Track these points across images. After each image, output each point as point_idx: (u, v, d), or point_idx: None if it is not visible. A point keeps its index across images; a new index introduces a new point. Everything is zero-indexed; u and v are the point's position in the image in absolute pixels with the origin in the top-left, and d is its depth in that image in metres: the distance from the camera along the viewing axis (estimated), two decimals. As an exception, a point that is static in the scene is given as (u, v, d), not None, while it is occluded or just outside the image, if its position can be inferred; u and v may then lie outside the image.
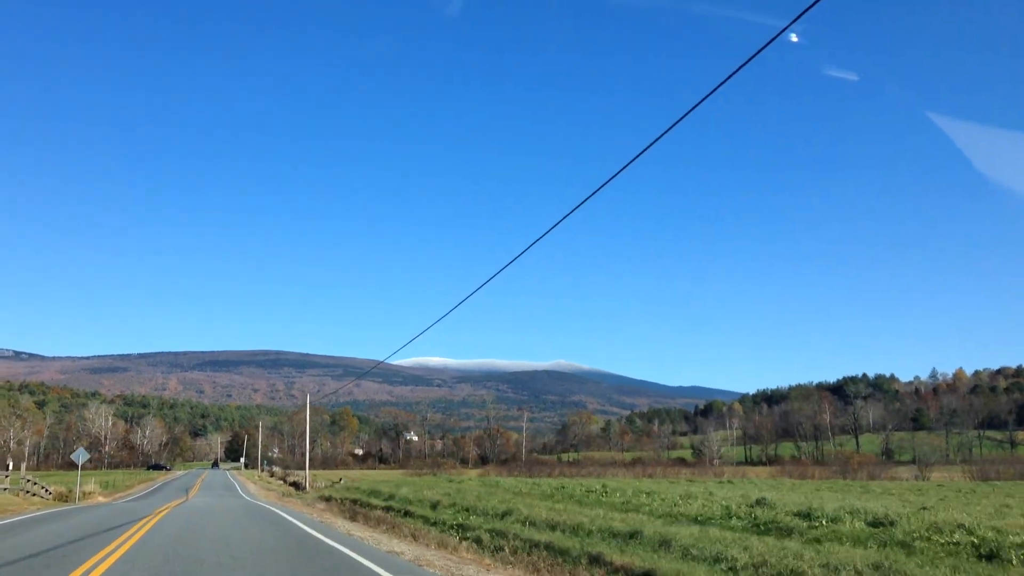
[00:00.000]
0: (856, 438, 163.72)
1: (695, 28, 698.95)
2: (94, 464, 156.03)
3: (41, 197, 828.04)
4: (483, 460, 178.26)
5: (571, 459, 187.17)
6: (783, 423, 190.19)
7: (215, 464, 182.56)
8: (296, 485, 79.21)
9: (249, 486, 76.27)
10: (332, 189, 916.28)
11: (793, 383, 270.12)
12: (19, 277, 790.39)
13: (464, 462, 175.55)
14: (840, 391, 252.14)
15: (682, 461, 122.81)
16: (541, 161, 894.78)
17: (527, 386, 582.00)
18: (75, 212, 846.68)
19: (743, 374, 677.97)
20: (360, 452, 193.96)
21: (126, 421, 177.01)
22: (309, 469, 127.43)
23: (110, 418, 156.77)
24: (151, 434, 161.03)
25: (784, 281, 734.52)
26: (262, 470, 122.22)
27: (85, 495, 50.04)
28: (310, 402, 61.81)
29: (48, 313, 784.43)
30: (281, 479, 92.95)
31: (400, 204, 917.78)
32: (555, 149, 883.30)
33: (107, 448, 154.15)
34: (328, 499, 36.59)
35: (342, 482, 62.64)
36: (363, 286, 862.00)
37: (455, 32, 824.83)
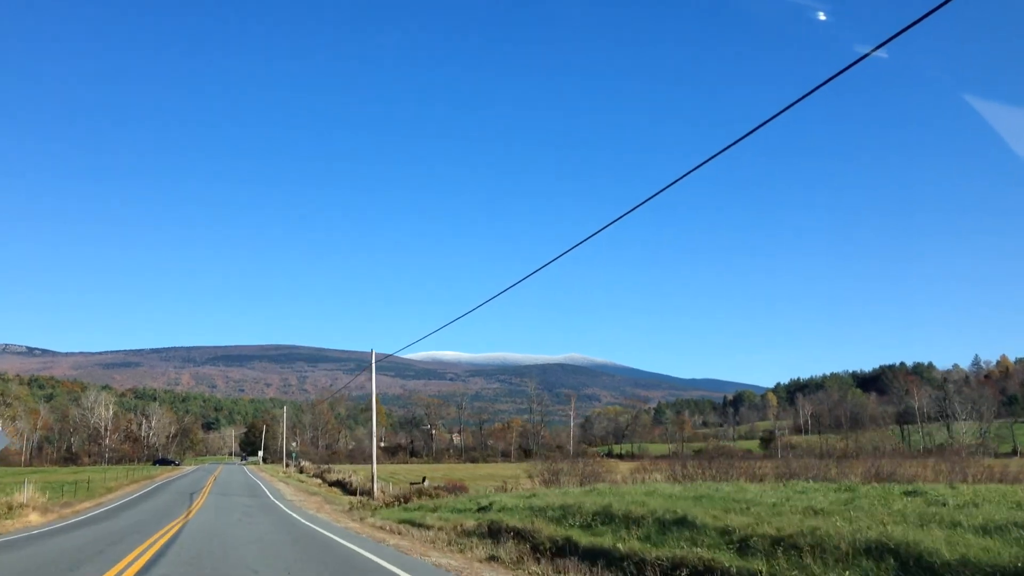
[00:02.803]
0: (948, 427, 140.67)
1: (720, 12, 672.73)
2: (93, 459, 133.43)
3: (53, 195, 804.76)
4: (526, 454, 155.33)
5: (626, 451, 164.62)
6: (836, 412, 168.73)
7: (244, 457, 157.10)
8: (344, 487, 56.04)
9: (280, 487, 53.27)
10: (345, 184, 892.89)
11: (811, 374, 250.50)
12: (32, 273, 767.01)
13: (505, 455, 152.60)
14: (877, 380, 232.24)
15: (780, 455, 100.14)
16: (553, 161, 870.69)
17: (540, 379, 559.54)
18: (87, 209, 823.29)
19: (756, 365, 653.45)
20: (382, 445, 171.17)
21: (131, 412, 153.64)
22: (335, 464, 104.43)
23: (111, 407, 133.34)
24: (157, 425, 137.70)
25: (796, 273, 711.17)
26: (287, 465, 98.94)
27: (8, 511, 26.96)
28: (375, 368, 38.86)
29: (61, 309, 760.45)
30: (317, 477, 69.76)
31: (412, 199, 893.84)
32: (572, 148, 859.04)
33: (108, 441, 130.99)
34: (581, 548, 12.99)
35: (426, 483, 39.59)
36: (375, 280, 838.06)
37: (478, 25, 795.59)
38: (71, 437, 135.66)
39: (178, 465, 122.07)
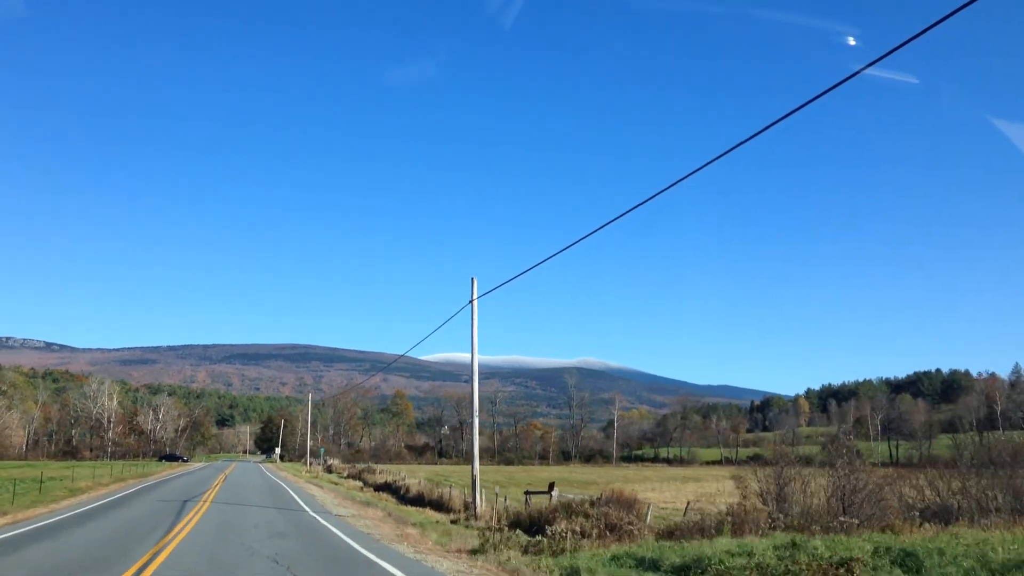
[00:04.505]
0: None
1: (755, 34, 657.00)
2: (95, 453, 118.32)
3: (73, 192, 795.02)
4: (565, 456, 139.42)
5: (674, 456, 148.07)
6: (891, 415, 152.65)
7: (268, 454, 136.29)
8: (397, 492, 40.29)
9: (312, 492, 37.44)
10: (362, 186, 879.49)
11: (834, 381, 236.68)
12: (51, 270, 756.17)
13: (543, 458, 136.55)
14: (912, 386, 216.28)
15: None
16: (564, 162, 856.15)
17: (554, 382, 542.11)
18: (107, 206, 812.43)
19: (773, 372, 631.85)
20: (404, 445, 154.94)
21: (137, 404, 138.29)
22: (361, 463, 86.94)
23: (115, 396, 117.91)
24: (166, 417, 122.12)
25: (814, 280, 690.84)
26: (310, 464, 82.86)
27: None
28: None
29: (79, 306, 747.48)
30: (354, 479, 53.88)
31: (430, 200, 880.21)
32: (586, 151, 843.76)
33: (111, 434, 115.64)
34: None
35: (557, 494, 23.61)
36: (391, 281, 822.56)
37: (509, 42, 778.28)
38: (72, 429, 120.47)
39: (186, 462, 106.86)
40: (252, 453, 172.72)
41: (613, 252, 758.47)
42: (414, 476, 42.11)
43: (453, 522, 22.97)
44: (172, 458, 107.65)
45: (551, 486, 23.89)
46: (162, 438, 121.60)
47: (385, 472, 50.50)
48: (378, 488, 43.85)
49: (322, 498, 33.11)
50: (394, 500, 38.10)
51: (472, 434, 24.13)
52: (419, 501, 36.08)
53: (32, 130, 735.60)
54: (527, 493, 24.89)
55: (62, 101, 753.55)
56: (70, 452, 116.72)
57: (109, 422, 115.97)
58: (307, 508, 26.41)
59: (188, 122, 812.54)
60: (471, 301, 24.25)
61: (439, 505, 33.09)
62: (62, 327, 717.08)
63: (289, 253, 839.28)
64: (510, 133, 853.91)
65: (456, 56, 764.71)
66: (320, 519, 22.15)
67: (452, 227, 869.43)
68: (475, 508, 23.17)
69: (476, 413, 24.25)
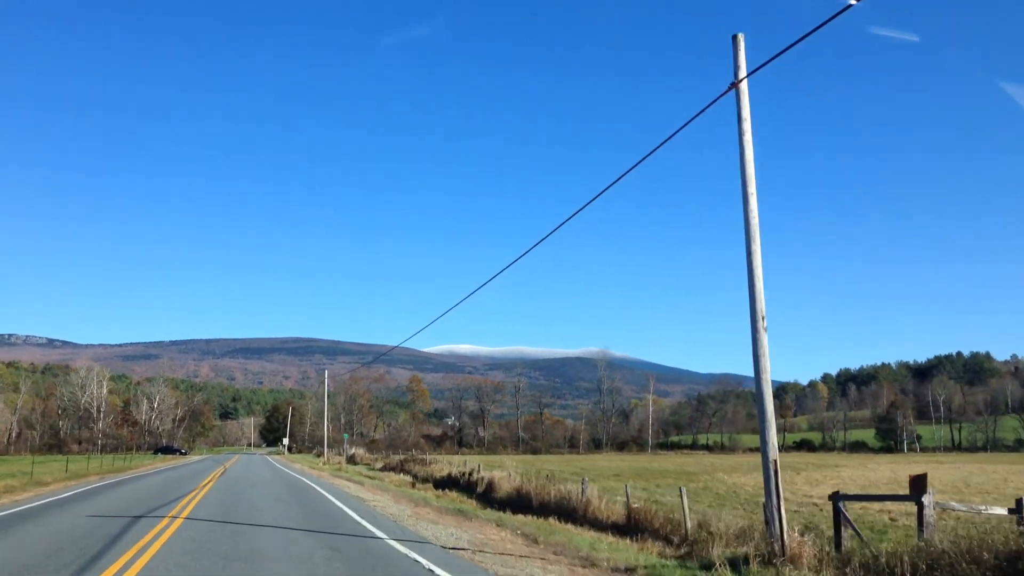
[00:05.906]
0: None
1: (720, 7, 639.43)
2: (84, 446, 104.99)
3: (74, 187, 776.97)
4: (596, 444, 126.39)
5: (714, 442, 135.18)
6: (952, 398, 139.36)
7: (273, 443, 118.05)
8: (470, 489, 27.02)
9: (350, 489, 23.97)
10: (362, 178, 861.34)
11: (845, 367, 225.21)
12: (52, 266, 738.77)
13: (573, 445, 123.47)
14: (932, 371, 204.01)
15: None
16: (567, 147, 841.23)
17: (559, 373, 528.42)
18: (108, 201, 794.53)
19: (775, 360, 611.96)
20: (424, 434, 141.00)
21: (131, 393, 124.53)
22: (384, 453, 72.75)
23: (105, 384, 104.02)
24: (161, 407, 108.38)
25: (811, 265, 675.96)
26: (322, 455, 69.03)
27: None
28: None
29: (81, 302, 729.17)
30: (393, 471, 40.33)
31: (431, 191, 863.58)
32: (582, 136, 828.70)
33: (101, 425, 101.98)
34: None
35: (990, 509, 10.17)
36: (394, 273, 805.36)
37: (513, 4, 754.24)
38: (59, 420, 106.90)
39: (184, 454, 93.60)
40: (257, 446, 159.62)
41: (614, 240, 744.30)
42: (501, 468, 28.58)
43: (743, 565, 9.62)
44: (168, 451, 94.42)
45: (917, 483, 10.61)
46: (158, 429, 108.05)
47: (442, 463, 36.95)
48: (439, 484, 30.47)
49: (379, 503, 19.71)
50: (474, 502, 24.80)
51: (761, 384, 10.88)
52: (519, 504, 22.79)
53: (33, 129, 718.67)
54: (838, 498, 11.55)
55: (62, 100, 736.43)
56: (56, 445, 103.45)
57: (99, 412, 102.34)
58: (375, 530, 13.11)
59: (188, 118, 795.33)
60: (734, 84, 10.91)
61: (568, 513, 19.77)
62: (64, 323, 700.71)
63: (290, 246, 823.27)
64: (514, 105, 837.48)
65: (439, 50, 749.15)
66: (437, 569, 8.85)
67: (457, 217, 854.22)
68: (780, 533, 9.83)
69: (764, 319, 10.92)
